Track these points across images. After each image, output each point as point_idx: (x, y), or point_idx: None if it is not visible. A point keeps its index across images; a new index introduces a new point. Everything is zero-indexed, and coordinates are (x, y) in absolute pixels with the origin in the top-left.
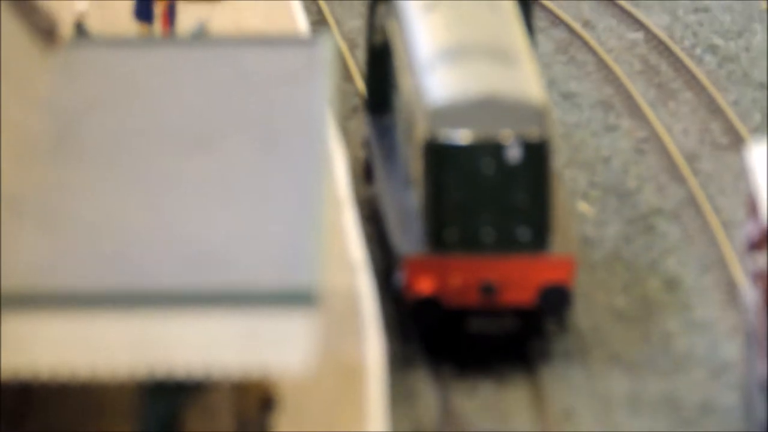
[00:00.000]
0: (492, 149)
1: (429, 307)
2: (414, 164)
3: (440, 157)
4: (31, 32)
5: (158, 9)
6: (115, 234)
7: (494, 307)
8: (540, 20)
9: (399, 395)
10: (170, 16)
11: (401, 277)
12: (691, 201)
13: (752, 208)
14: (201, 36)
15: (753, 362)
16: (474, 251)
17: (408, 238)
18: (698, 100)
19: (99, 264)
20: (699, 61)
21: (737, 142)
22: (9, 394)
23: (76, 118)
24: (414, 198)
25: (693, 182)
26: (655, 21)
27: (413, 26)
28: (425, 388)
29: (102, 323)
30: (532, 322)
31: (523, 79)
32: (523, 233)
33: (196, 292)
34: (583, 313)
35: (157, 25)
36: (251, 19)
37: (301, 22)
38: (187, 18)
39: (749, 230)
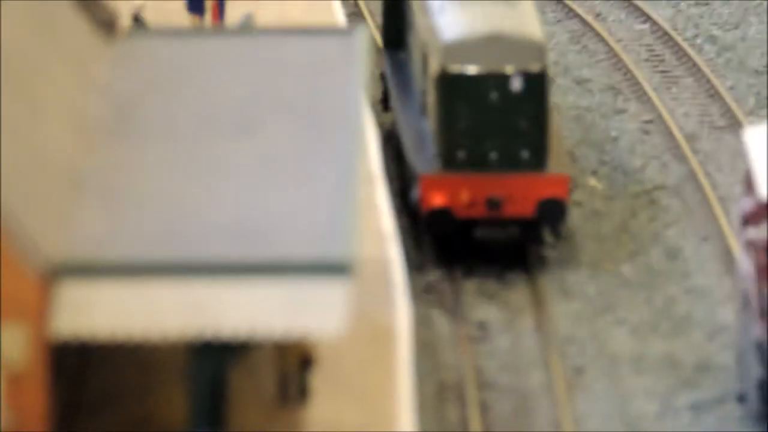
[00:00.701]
0: (497, 80)
1: (442, 217)
2: (428, 94)
3: (452, 87)
4: (92, 25)
5: (209, 3)
6: (169, 209)
7: (498, 218)
8: (555, 12)
9: (423, 351)
10: (220, 9)
11: (417, 192)
12: (692, 178)
13: (748, 184)
14: (247, 27)
15: (747, 325)
16: (481, 169)
17: (423, 158)
18: (698, 86)
19: (154, 236)
20: (699, 50)
21: (734, 124)
22: (70, 354)
23: (133, 103)
24: (428, 124)
25: (693, 161)
26: (660, 13)
27: None
28: (446, 345)
29: (156, 290)
30: (531, 231)
31: (524, 19)
32: (524, 154)
33: (242, 262)
34: (591, 280)
35: (208, 18)
36: (293, 12)
37: (339, 16)
38: (235, 12)
39: (744, 205)
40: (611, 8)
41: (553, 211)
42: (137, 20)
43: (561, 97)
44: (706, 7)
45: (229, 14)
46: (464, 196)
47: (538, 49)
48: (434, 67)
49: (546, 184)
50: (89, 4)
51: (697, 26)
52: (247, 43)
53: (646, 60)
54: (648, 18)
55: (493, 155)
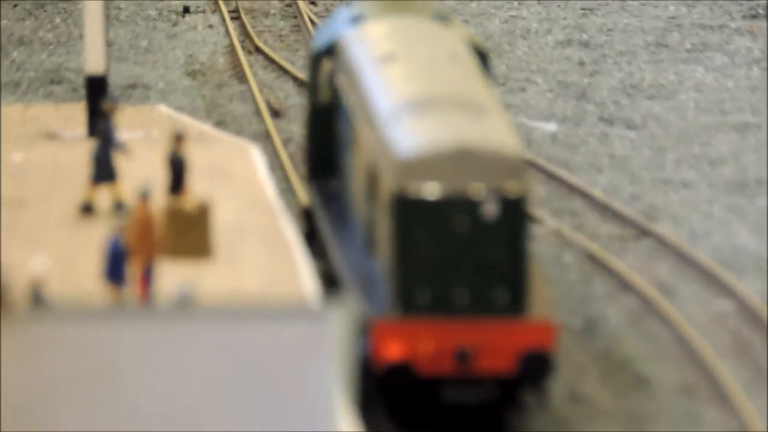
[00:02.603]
0: (465, 204)
1: (400, 374)
2: (378, 224)
3: (409, 212)
4: None
5: (133, 269)
6: None
7: (470, 376)
8: (606, 285)
9: None
10: (148, 277)
11: (368, 343)
12: None
13: None
14: (187, 304)
15: None
16: (447, 314)
17: (373, 302)
18: None
19: None
20: None
21: None
22: None
23: (32, 406)
24: (378, 262)
25: None
26: (749, 287)
27: (371, 79)
28: None
29: None
30: (510, 392)
31: (496, 129)
32: (500, 295)
33: None
34: None
35: (132, 288)
36: (247, 279)
37: (308, 283)
38: (168, 279)
39: None
40: (682, 279)
41: (537, 367)
42: (36, 295)
43: (615, 401)
44: None
45: (160, 283)
46: (427, 347)
47: (514, 166)
48: (387, 189)
49: (527, 332)
50: None
51: None
52: (187, 327)
53: (731, 350)
54: (732, 293)
55: (462, 297)
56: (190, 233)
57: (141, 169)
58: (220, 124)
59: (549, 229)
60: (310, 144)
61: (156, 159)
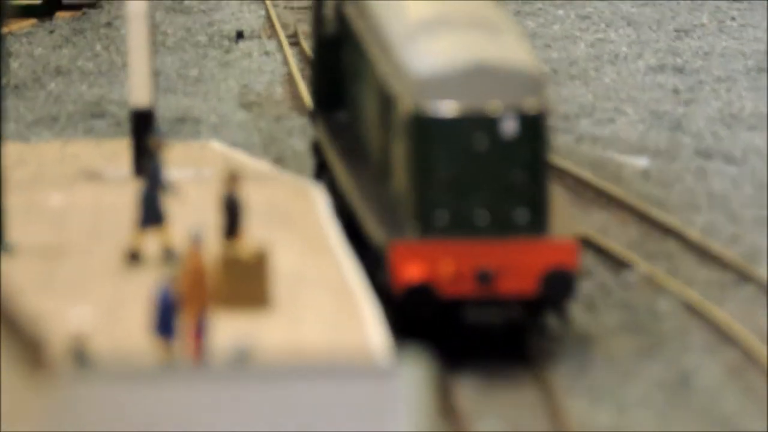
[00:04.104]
0: (484, 122)
1: (420, 296)
2: (394, 146)
3: (427, 131)
4: (10, 360)
5: (184, 322)
6: None
7: (492, 296)
8: (704, 336)
9: None
10: (201, 331)
11: (388, 265)
12: None
13: None
14: (243, 359)
15: None
16: (467, 235)
17: (391, 224)
18: None
19: None
20: None
21: None
22: None
23: None
24: (393, 187)
25: None
26: None
27: (383, 4)
28: None
29: None
30: (532, 313)
31: (513, 47)
32: (521, 214)
33: None
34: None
35: (183, 344)
36: (311, 332)
37: (376, 336)
38: (224, 333)
39: None
40: None
41: (560, 287)
42: (79, 352)
43: None
44: None
45: (214, 338)
46: (447, 268)
47: (533, 82)
48: (404, 108)
49: (549, 252)
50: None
51: None
52: (244, 387)
53: None
54: None
55: (482, 217)
56: (246, 282)
57: (192, 212)
58: (278, 161)
59: (641, 275)
60: (317, 77)
61: (209, 200)
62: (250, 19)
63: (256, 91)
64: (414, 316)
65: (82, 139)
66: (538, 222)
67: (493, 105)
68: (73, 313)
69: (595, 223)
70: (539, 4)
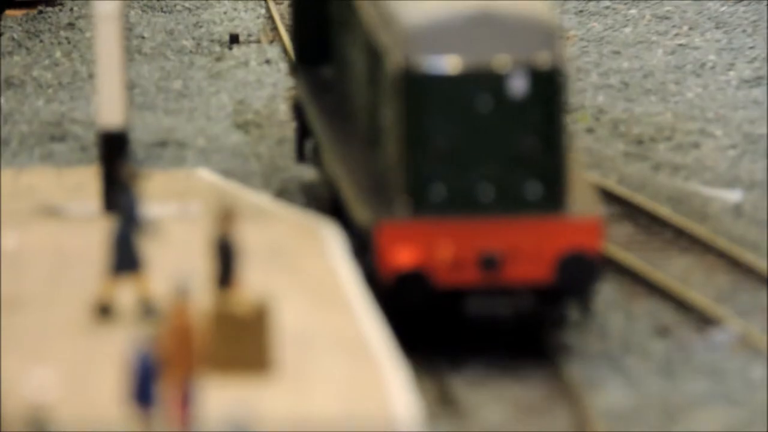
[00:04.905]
0: (488, 80)
1: (413, 283)
2: (384, 108)
3: (421, 90)
4: None
5: (168, 389)
6: None
7: (499, 285)
8: None
9: None
10: (188, 399)
11: (374, 249)
12: None
13: None
14: None
15: None
16: (470, 213)
17: (380, 201)
18: None
19: None
20: None
21: None
22: None
23: None
24: (383, 156)
25: None
26: None
27: None
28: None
29: None
30: (548, 303)
31: None
32: (533, 188)
33: None
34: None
35: (166, 414)
36: (321, 400)
37: (400, 404)
38: (217, 401)
39: None
40: None
41: (579, 273)
42: (38, 423)
43: None
44: None
45: (205, 407)
46: (446, 252)
47: (546, 33)
48: (393, 65)
49: (566, 232)
50: None
51: None
52: None
53: None
54: None
55: (487, 192)
56: (244, 341)
57: (177, 256)
58: (281, 194)
59: (733, 334)
60: (298, 26)
61: (196, 242)
62: (247, 19)
63: (254, 108)
64: (406, 307)
65: (40, 167)
66: (552, 197)
67: (499, 60)
68: (33, 377)
69: (675, 270)
70: (606, 2)
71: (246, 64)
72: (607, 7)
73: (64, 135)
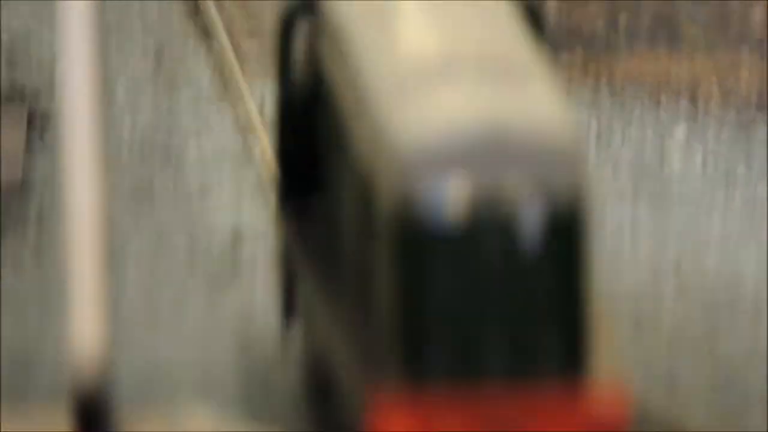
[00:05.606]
0: (499, 223)
1: None
2: (377, 252)
3: (419, 235)
4: None
5: None
6: None
7: None
8: None
9: None
10: None
11: (365, 422)
12: None
13: None
14: None
15: None
16: (477, 380)
17: (373, 369)
18: None
19: None
20: None
21: None
22: None
23: None
24: (376, 312)
25: None
26: None
27: (366, 42)
28: None
29: None
30: None
31: (539, 102)
32: (551, 353)
33: None
34: None
35: None
36: None
37: None
38: None
39: None
40: None
41: None
42: None
43: None
44: None
45: None
46: (450, 425)
47: (569, 161)
48: (386, 199)
49: (591, 402)
50: None
51: None
52: None
53: None
54: None
55: (498, 356)
56: None
57: None
58: None
59: None
60: (283, 150)
61: None
62: (254, 211)
63: (266, 325)
64: None
65: None
66: (574, 362)
67: (511, 194)
68: None
69: None
70: (689, 185)
71: (254, 268)
72: (690, 190)
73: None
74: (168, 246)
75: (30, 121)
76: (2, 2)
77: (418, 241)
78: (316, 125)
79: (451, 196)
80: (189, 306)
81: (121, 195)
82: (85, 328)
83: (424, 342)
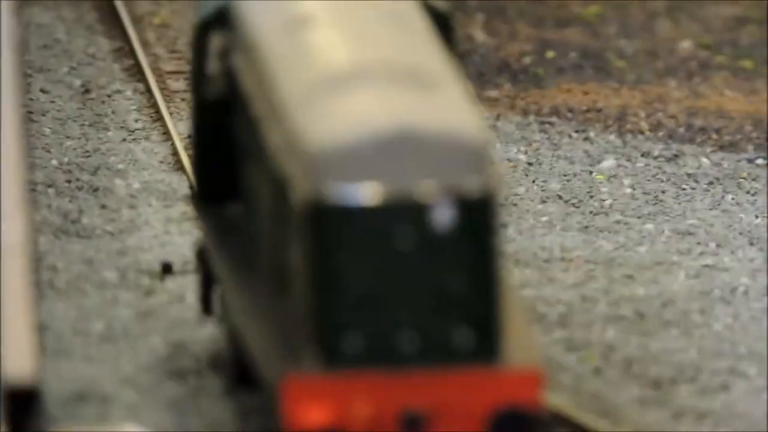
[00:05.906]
0: (410, 211)
1: None
2: (291, 245)
3: (330, 225)
4: None
5: None
6: None
7: None
8: None
9: None
10: None
11: (280, 408)
12: None
13: None
14: None
15: None
16: (390, 365)
17: (286, 353)
18: None
19: None
20: None
21: None
22: None
23: None
24: (291, 302)
25: None
26: None
27: (279, 51)
28: None
29: None
30: None
31: (451, 108)
32: (462, 336)
33: None
34: None
35: None
36: None
37: None
38: None
39: None
40: None
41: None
42: None
43: None
44: None
45: None
46: (363, 410)
47: (476, 156)
48: (298, 196)
49: (502, 385)
50: None
51: None
52: None
53: None
54: None
55: (410, 340)
56: None
57: None
58: None
59: None
60: (199, 154)
61: None
62: (182, 244)
63: (194, 353)
64: None
65: None
66: (485, 345)
67: (421, 187)
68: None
69: None
70: (617, 216)
71: (181, 299)
72: (618, 222)
73: None
74: (95, 277)
75: None
76: None
77: (328, 227)
78: (231, 132)
79: (362, 192)
80: (117, 333)
81: (49, 229)
82: (16, 347)
83: (338, 328)
